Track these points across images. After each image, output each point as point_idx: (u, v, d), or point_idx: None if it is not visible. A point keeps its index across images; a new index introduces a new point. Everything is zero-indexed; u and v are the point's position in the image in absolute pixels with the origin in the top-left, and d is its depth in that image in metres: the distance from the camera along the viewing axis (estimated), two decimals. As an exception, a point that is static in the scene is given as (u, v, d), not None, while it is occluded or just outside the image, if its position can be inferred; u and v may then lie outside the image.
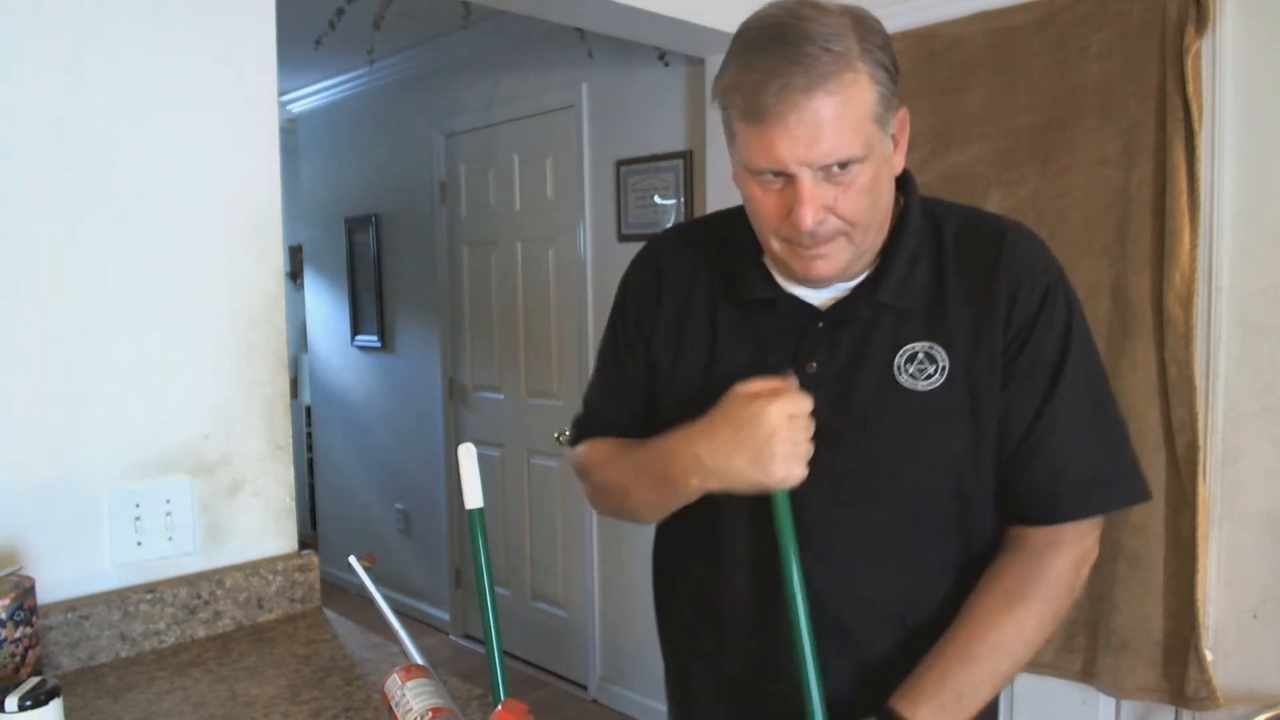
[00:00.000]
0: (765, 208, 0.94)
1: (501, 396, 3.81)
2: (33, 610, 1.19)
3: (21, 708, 0.95)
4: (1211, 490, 1.89)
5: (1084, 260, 2.01)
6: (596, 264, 3.32)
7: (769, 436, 0.91)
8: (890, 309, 0.99)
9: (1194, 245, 1.86)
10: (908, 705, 0.93)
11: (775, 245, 0.96)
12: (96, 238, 1.35)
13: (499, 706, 0.83)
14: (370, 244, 4.40)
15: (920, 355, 0.97)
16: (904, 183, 1.03)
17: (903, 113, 0.96)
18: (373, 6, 3.02)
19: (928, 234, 1.01)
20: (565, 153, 3.41)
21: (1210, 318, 1.88)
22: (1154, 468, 1.92)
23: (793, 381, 0.95)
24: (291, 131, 4.85)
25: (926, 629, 1.00)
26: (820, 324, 1.01)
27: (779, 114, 0.87)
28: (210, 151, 1.46)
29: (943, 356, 0.97)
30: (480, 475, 0.88)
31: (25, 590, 1.18)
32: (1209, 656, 1.88)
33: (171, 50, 1.41)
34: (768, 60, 0.88)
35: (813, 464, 0.95)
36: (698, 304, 1.08)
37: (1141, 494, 1.00)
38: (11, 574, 1.20)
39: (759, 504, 0.98)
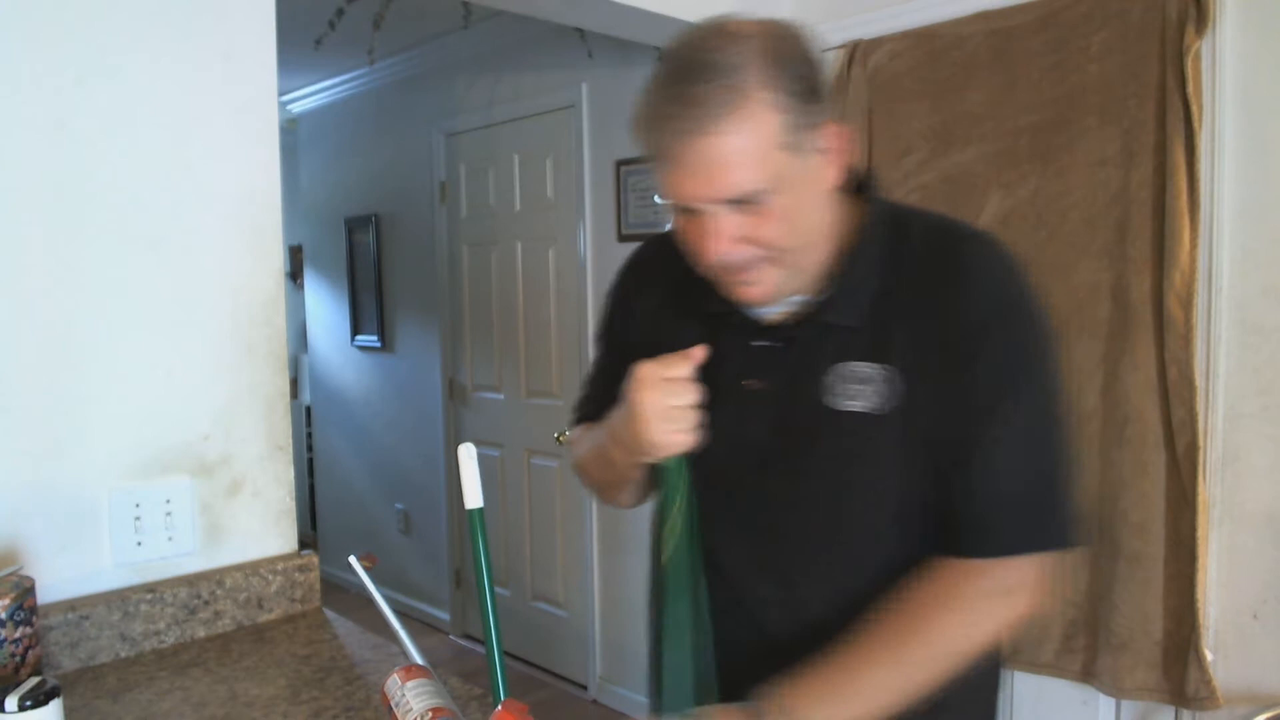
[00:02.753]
0: (687, 237, 0.94)
1: (501, 396, 3.81)
2: (33, 610, 1.19)
3: (21, 708, 0.95)
4: (1211, 490, 1.89)
5: (1084, 260, 2.01)
6: (596, 264, 3.32)
7: (640, 404, 0.92)
8: (834, 327, 0.96)
9: (1194, 245, 1.86)
10: (787, 687, 0.92)
11: (706, 271, 0.96)
12: (96, 238, 1.35)
13: (499, 706, 0.83)
14: (370, 244, 4.40)
15: (858, 375, 0.94)
16: (865, 188, 1.00)
17: (836, 128, 0.91)
18: (373, 6, 3.02)
19: (885, 246, 0.97)
20: (565, 153, 3.41)
21: (1210, 318, 1.88)
22: (1154, 468, 1.92)
23: (692, 354, 0.94)
24: (291, 131, 4.85)
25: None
26: (765, 341, 1.00)
27: (676, 154, 0.87)
28: (210, 151, 1.46)
29: (881, 377, 0.93)
30: (480, 475, 0.88)
31: (25, 590, 1.18)
32: (1209, 656, 1.88)
33: (171, 50, 1.41)
34: (666, 99, 0.87)
35: (748, 481, 0.99)
36: (668, 314, 1.09)
37: (1063, 542, 0.94)
38: (11, 574, 1.20)
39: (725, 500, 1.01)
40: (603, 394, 1.14)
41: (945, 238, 0.98)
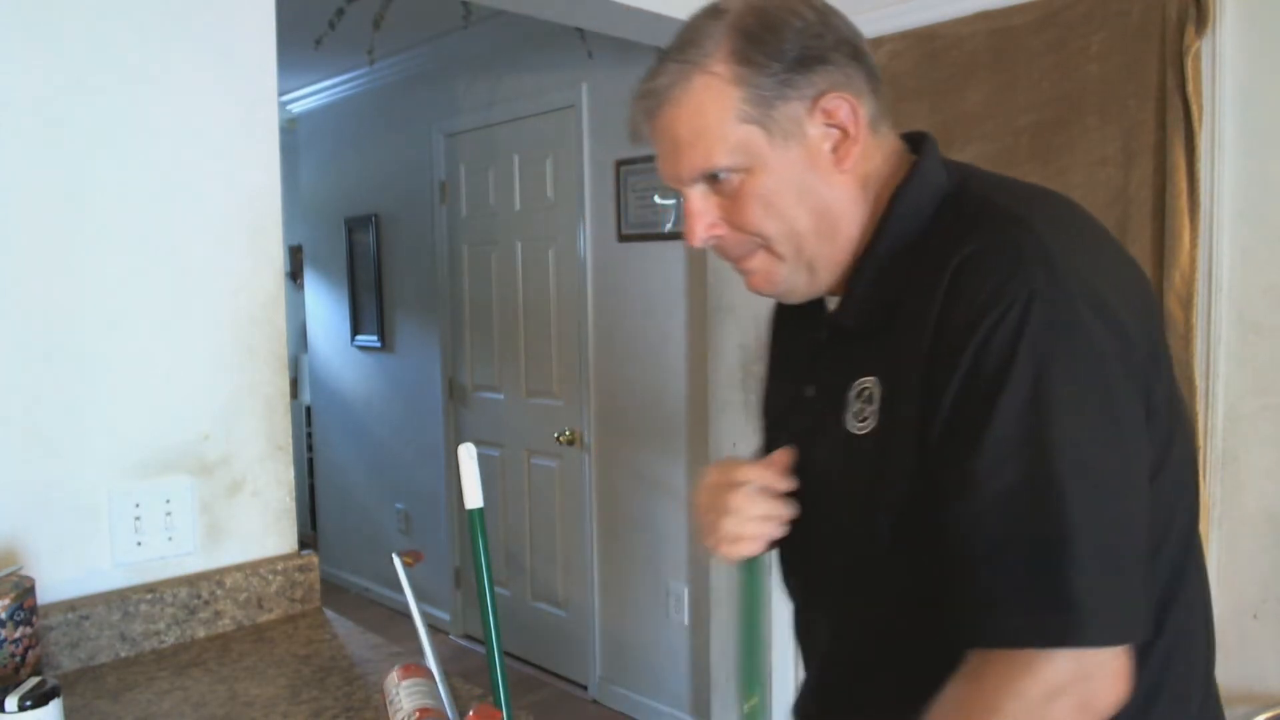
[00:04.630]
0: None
1: (501, 396, 3.81)
2: (33, 610, 1.19)
3: (21, 708, 0.95)
4: (1211, 490, 1.89)
5: (1084, 260, 2.01)
6: (596, 264, 3.32)
7: (701, 514, 0.92)
8: (848, 332, 0.87)
9: (1194, 245, 1.86)
10: None
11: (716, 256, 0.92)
12: (96, 238, 1.35)
13: (470, 711, 0.83)
14: (370, 244, 4.40)
15: (864, 391, 0.83)
16: (916, 165, 0.87)
17: (833, 99, 0.82)
18: (373, 6, 3.02)
19: (914, 233, 0.84)
20: (565, 153, 3.40)
21: (1210, 318, 1.88)
22: (1154, 468, 1.92)
23: (782, 459, 0.90)
24: (291, 131, 4.85)
25: (882, 697, 0.88)
26: (817, 344, 0.93)
27: (647, 136, 0.86)
28: (210, 151, 1.46)
29: (879, 394, 0.81)
30: (480, 475, 0.87)
31: (25, 590, 1.18)
32: (1209, 656, 1.88)
33: (172, 50, 1.41)
34: (640, 83, 0.87)
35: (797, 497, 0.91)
36: (781, 319, 1.07)
37: (1060, 636, 0.70)
38: (11, 574, 1.20)
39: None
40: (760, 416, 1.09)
41: (965, 214, 0.82)
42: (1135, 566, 0.73)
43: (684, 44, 0.85)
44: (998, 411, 0.72)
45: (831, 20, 0.86)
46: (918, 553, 0.79)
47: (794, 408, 0.93)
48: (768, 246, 0.86)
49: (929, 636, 0.78)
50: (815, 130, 0.83)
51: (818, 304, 0.93)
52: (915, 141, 0.90)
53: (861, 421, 0.83)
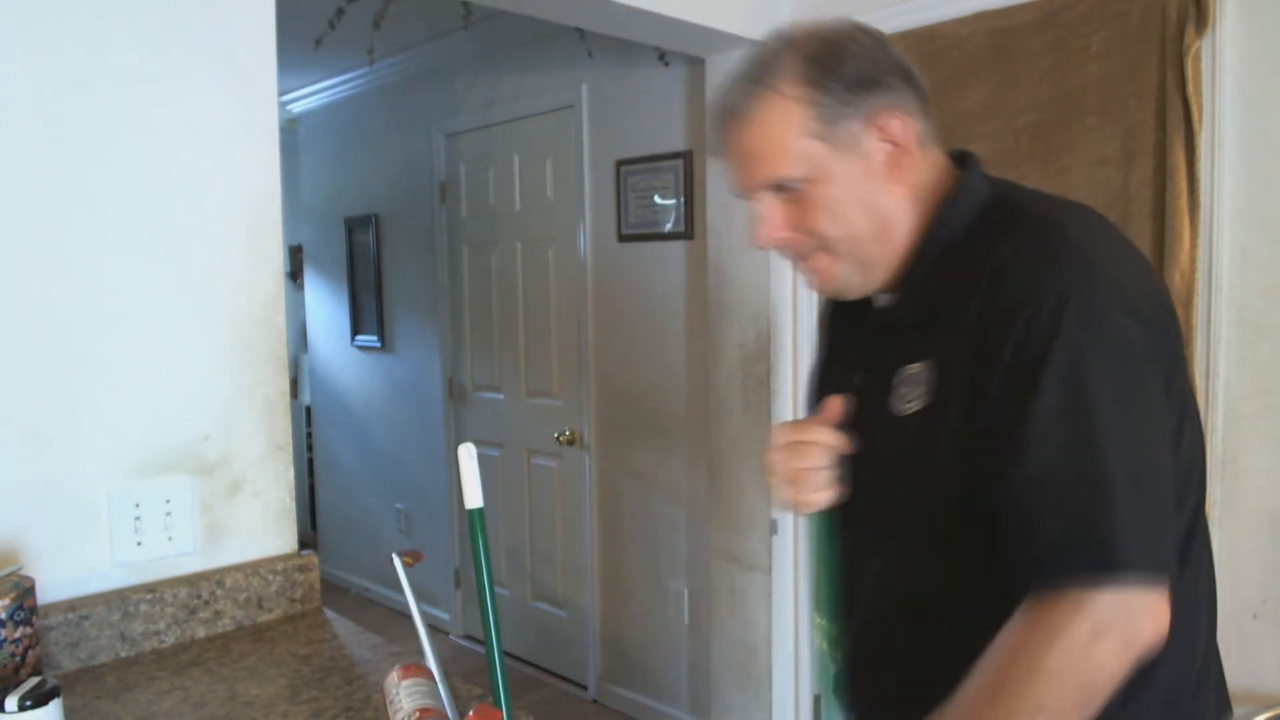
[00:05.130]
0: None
1: (501, 396, 3.81)
2: (33, 610, 1.19)
3: (21, 708, 0.95)
4: (1211, 490, 1.89)
5: (1084, 260, 2.01)
6: (596, 264, 3.32)
7: (771, 466, 1.01)
8: (897, 324, 0.98)
9: (1194, 245, 1.86)
10: None
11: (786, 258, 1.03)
12: (96, 238, 1.35)
13: (470, 711, 0.83)
14: (370, 244, 4.40)
15: (910, 376, 0.94)
16: (961, 177, 0.98)
17: (888, 117, 0.93)
18: (373, 6, 3.02)
19: (958, 237, 0.95)
20: (565, 153, 3.41)
21: (1210, 318, 1.88)
22: (1154, 468, 1.92)
23: (827, 410, 1.00)
24: (291, 131, 4.85)
25: (939, 651, 0.93)
26: (865, 337, 1.05)
27: (722, 150, 0.98)
28: (210, 151, 1.46)
29: (924, 375, 0.92)
30: (480, 475, 0.88)
31: (25, 590, 1.18)
32: (1209, 656, 1.88)
33: (171, 50, 1.41)
34: (714, 104, 0.99)
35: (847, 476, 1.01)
36: (834, 313, 1.16)
37: (1105, 576, 0.80)
38: (11, 574, 1.20)
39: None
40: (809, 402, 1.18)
41: (1005, 218, 0.93)
42: (1166, 517, 0.85)
43: (755, 67, 0.95)
44: (1042, 386, 0.82)
45: (886, 47, 0.97)
46: (964, 517, 0.90)
47: (843, 393, 1.02)
48: (828, 248, 0.97)
49: (973, 593, 0.91)
50: (872, 144, 0.94)
51: (864, 301, 1.04)
52: (960, 159, 1.02)
53: (908, 403, 0.93)
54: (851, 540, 1.05)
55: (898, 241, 0.97)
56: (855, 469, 1.00)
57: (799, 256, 0.99)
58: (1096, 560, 0.80)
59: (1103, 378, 0.83)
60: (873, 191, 0.95)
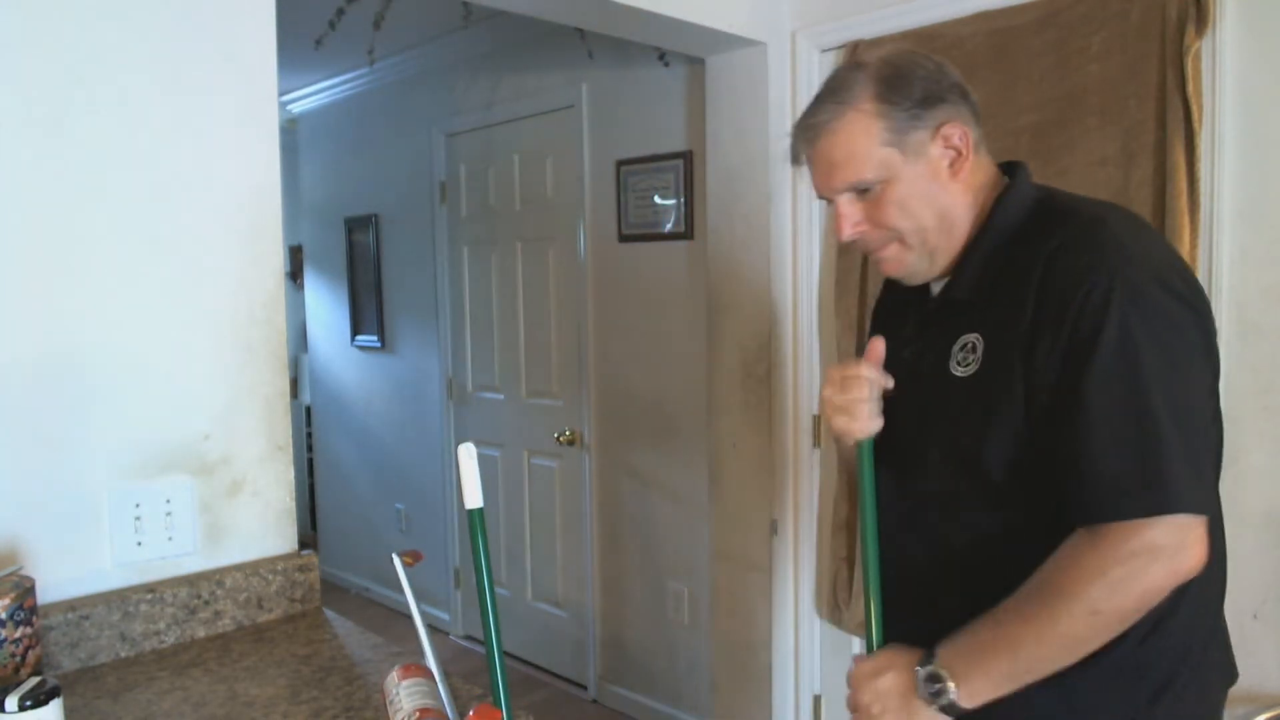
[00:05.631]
0: (832, 224, 1.19)
1: (501, 396, 3.81)
2: (33, 610, 1.19)
3: (21, 708, 0.95)
4: (1211, 490, 1.89)
5: (1084, 260, 2.01)
6: (596, 264, 3.32)
7: (826, 399, 1.17)
8: (956, 302, 1.13)
9: (1194, 245, 1.86)
10: (947, 650, 1.05)
11: (856, 251, 1.21)
12: (96, 238, 1.35)
13: (470, 711, 0.83)
14: (370, 244, 4.40)
15: (968, 344, 1.10)
16: (1011, 182, 1.16)
17: (950, 128, 1.10)
18: (373, 6, 3.02)
19: (1003, 229, 1.11)
20: (565, 153, 3.40)
21: (1210, 318, 1.88)
22: (1154, 468, 1.92)
23: (871, 350, 1.16)
24: (291, 131, 4.85)
25: (978, 589, 1.07)
26: (918, 316, 1.21)
27: (809, 158, 1.14)
28: (210, 151, 1.46)
29: (981, 345, 1.08)
30: (480, 475, 0.88)
31: (25, 590, 1.18)
32: (1209, 656, 1.88)
33: (171, 50, 1.41)
34: (800, 118, 1.15)
35: (896, 437, 1.17)
36: (889, 299, 1.34)
37: (1160, 506, 0.96)
38: (11, 574, 1.20)
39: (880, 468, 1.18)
40: None
41: (1054, 214, 1.10)
42: (1208, 459, 1.05)
43: (835, 89, 1.12)
44: (1099, 349, 0.98)
45: (946, 69, 1.14)
46: (1015, 467, 1.05)
47: (893, 365, 1.18)
48: (900, 239, 1.13)
49: (1020, 542, 1.05)
50: (936, 151, 1.11)
51: (916, 292, 1.21)
52: (1010, 168, 1.19)
53: (964, 367, 1.09)
54: (902, 498, 1.18)
55: (958, 233, 1.13)
56: (909, 428, 1.16)
57: (875, 247, 1.15)
58: (1156, 498, 0.96)
59: (1149, 341, 0.98)
60: (938, 191, 1.12)
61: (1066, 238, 1.04)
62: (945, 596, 1.14)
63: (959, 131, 1.11)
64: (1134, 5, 1.92)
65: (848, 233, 1.13)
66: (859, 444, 1.16)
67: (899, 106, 1.09)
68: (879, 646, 1.14)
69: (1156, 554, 0.96)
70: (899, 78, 1.10)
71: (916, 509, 1.17)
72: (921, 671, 1.05)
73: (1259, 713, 1.80)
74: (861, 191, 1.11)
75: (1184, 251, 1.85)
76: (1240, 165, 1.84)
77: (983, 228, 1.13)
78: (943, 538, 1.15)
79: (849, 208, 1.13)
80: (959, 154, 1.12)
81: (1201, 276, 1.87)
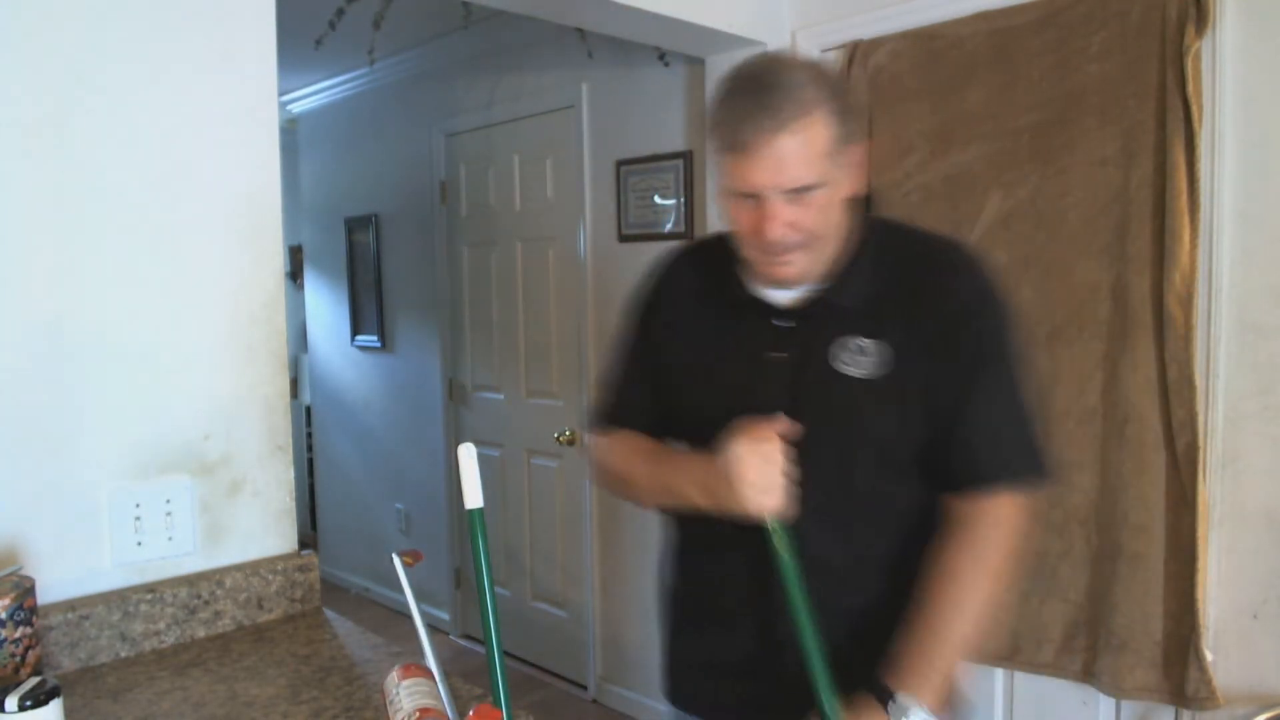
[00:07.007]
0: (743, 223, 1.13)
1: (501, 396, 3.81)
2: (33, 610, 1.19)
3: (21, 708, 0.95)
4: (1211, 490, 1.89)
5: (1084, 260, 2.01)
6: (596, 264, 3.32)
7: (740, 476, 1.09)
8: (838, 308, 1.18)
9: (1194, 245, 1.86)
10: (893, 678, 1.12)
11: (751, 253, 1.16)
12: (96, 238, 1.35)
13: (470, 711, 0.83)
14: (370, 244, 4.40)
15: (856, 346, 1.16)
16: (865, 203, 1.24)
17: (859, 148, 1.15)
18: (373, 6, 3.02)
19: (880, 247, 1.21)
20: (565, 153, 3.41)
21: (1210, 318, 1.88)
22: (1154, 468, 1.92)
23: (778, 422, 1.12)
24: (291, 131, 4.85)
25: (881, 575, 1.21)
26: (784, 321, 1.21)
27: (754, 148, 1.07)
28: (210, 151, 1.46)
29: (875, 350, 1.16)
30: (480, 475, 0.88)
31: (25, 590, 1.18)
32: (1209, 656, 1.88)
33: (171, 51, 1.41)
34: (746, 104, 1.08)
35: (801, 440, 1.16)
36: (693, 305, 1.29)
37: (1041, 475, 1.19)
38: (11, 574, 1.20)
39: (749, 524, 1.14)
40: (637, 398, 1.33)
41: (929, 244, 1.25)
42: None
43: (789, 84, 1.09)
44: (994, 356, 1.18)
45: (860, 94, 1.26)
46: (904, 464, 1.19)
47: (761, 374, 1.20)
48: (806, 244, 1.13)
49: (928, 531, 1.18)
50: (853, 165, 1.15)
51: (739, 293, 1.23)
52: None
53: (859, 368, 1.16)
54: (817, 500, 1.17)
55: (838, 244, 1.18)
56: (815, 429, 1.17)
57: (783, 249, 1.13)
58: (1042, 469, 1.19)
59: (1018, 352, 1.20)
60: (843, 203, 1.16)
61: (947, 258, 1.21)
62: (854, 595, 1.21)
63: (864, 151, 1.19)
64: (1134, 5, 1.92)
65: (779, 232, 1.10)
66: (774, 523, 1.10)
67: (844, 122, 1.12)
68: (832, 711, 1.09)
69: (1025, 520, 1.19)
70: (845, 96, 1.17)
71: (833, 508, 1.18)
72: (895, 710, 1.08)
73: (1259, 713, 1.80)
74: (797, 193, 1.09)
75: (1184, 251, 1.86)
76: (1240, 165, 1.84)
77: (863, 242, 1.20)
78: (862, 535, 1.21)
79: (783, 208, 1.10)
80: (859, 172, 1.18)
81: (1202, 276, 1.88)
